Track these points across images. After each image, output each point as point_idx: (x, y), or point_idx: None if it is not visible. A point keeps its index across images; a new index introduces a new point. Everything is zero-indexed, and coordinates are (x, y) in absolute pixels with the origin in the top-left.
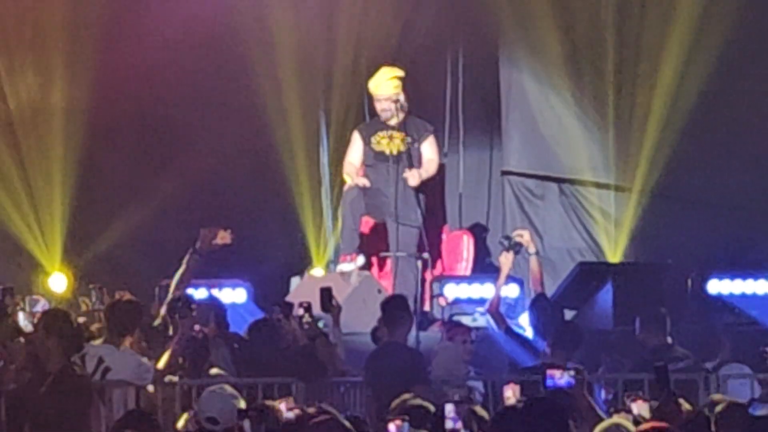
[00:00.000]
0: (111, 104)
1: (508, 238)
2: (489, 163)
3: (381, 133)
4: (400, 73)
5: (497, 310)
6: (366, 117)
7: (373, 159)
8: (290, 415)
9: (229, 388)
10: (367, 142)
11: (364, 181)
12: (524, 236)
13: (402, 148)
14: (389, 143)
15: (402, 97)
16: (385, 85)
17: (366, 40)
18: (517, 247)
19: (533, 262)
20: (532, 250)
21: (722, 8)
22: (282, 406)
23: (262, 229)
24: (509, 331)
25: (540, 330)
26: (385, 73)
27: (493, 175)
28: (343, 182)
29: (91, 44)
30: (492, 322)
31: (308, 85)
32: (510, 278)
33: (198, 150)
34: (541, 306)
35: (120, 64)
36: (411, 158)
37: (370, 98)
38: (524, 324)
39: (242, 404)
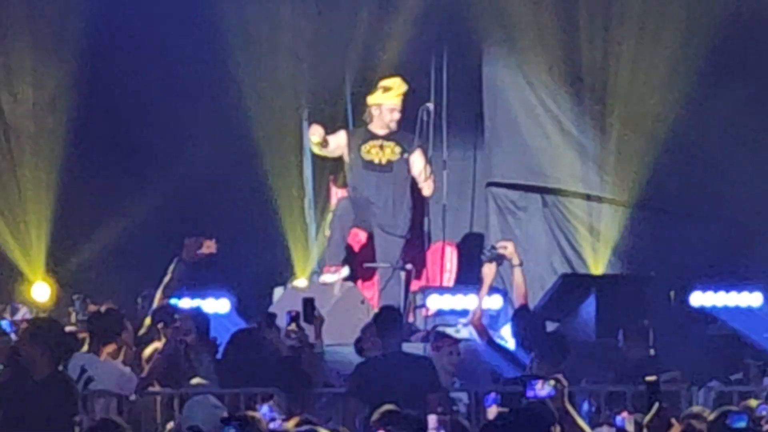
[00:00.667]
0: (94, 113)
1: (491, 249)
2: (472, 175)
3: (372, 142)
4: (389, 85)
5: (480, 321)
6: (350, 127)
7: (362, 168)
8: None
9: (212, 398)
10: (355, 149)
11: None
12: (508, 248)
13: (392, 158)
14: (379, 152)
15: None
16: (397, 98)
17: (350, 52)
18: (499, 259)
19: (517, 274)
20: (516, 262)
21: (708, 20)
22: (264, 409)
23: (245, 239)
24: (491, 343)
25: (522, 341)
26: (400, 86)
27: (476, 186)
28: (326, 194)
29: (75, 53)
30: (474, 333)
31: (291, 96)
32: (493, 289)
33: (181, 160)
34: (523, 317)
35: (105, 75)
36: (403, 168)
37: (366, 105)
38: (506, 335)
39: (225, 414)
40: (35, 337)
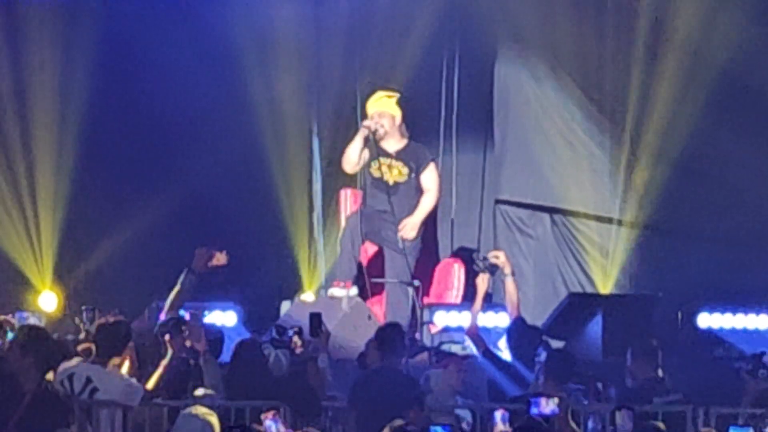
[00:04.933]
0: (104, 124)
1: (483, 259)
2: (481, 191)
3: (381, 160)
4: (395, 93)
5: (476, 332)
6: None
7: (371, 185)
8: None
9: (202, 409)
10: (366, 165)
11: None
12: (500, 257)
13: (400, 180)
14: (387, 172)
15: (400, 122)
16: (378, 102)
17: (360, 67)
18: (492, 269)
19: (509, 284)
20: (507, 271)
21: (718, 44)
22: (269, 421)
23: (253, 252)
24: (487, 354)
25: (518, 354)
26: (379, 93)
27: (485, 202)
28: (336, 208)
29: (85, 65)
30: (471, 344)
31: (301, 110)
32: (499, 306)
33: (190, 172)
34: (518, 329)
35: (113, 85)
36: (411, 188)
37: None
38: (502, 347)
39: (215, 422)
40: (25, 347)
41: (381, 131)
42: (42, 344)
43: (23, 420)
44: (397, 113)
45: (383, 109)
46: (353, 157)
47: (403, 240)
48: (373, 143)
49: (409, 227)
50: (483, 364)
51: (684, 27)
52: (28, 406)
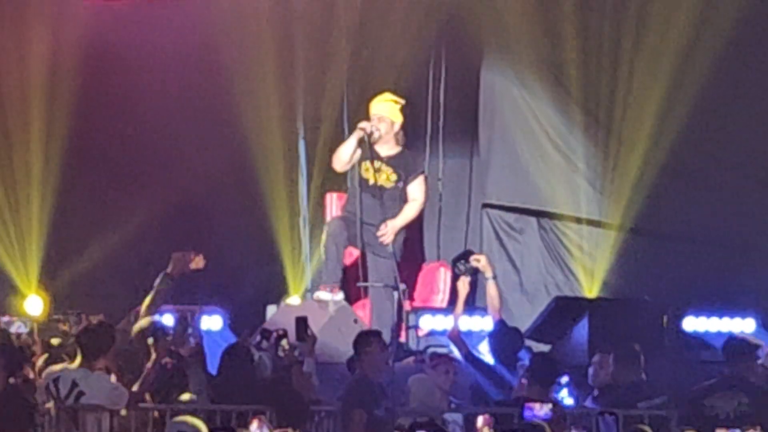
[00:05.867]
0: (90, 128)
1: (464, 263)
2: (468, 194)
3: (373, 162)
4: (401, 100)
5: (458, 335)
6: None
7: (357, 185)
8: None
9: (190, 417)
10: (356, 164)
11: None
12: (481, 261)
13: (387, 185)
14: (375, 174)
15: (398, 130)
16: (381, 105)
17: (347, 68)
18: (473, 272)
19: (491, 287)
20: (489, 274)
21: (706, 45)
22: (254, 426)
23: (238, 256)
24: (469, 356)
25: (500, 357)
26: (385, 96)
27: (471, 206)
28: (322, 212)
29: (73, 69)
30: (453, 347)
31: (287, 114)
32: (482, 310)
33: (176, 175)
34: (500, 332)
35: (99, 89)
36: (394, 196)
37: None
38: (483, 350)
39: (203, 428)
40: None
41: (376, 135)
42: (6, 347)
43: None
44: (398, 120)
45: (384, 113)
46: (344, 157)
47: (381, 244)
48: (367, 144)
49: (389, 230)
50: (465, 367)
51: (670, 30)
52: None
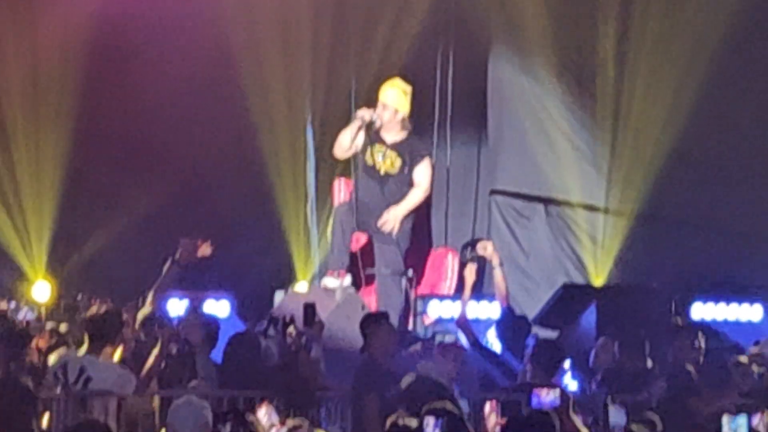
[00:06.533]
0: (98, 114)
1: (471, 250)
2: (476, 181)
3: (377, 146)
4: (408, 90)
5: (466, 323)
6: None
7: (362, 171)
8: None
9: (195, 398)
10: (362, 150)
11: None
12: (488, 248)
13: (392, 171)
14: (379, 161)
15: (404, 116)
16: (389, 92)
17: (355, 54)
18: (479, 260)
19: (498, 274)
20: (495, 262)
21: (715, 31)
22: (262, 411)
23: (246, 241)
24: (476, 344)
25: (507, 344)
26: (394, 81)
27: (479, 192)
28: (330, 198)
29: (83, 55)
30: (460, 334)
31: (295, 99)
32: (491, 296)
33: (184, 161)
34: (507, 320)
35: (106, 75)
36: (400, 182)
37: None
38: (491, 338)
39: (208, 411)
40: None
41: (378, 123)
42: (5, 331)
43: None
44: (402, 108)
45: (388, 101)
46: (345, 143)
47: (384, 232)
48: (370, 131)
49: (391, 218)
50: (472, 355)
51: (678, 15)
52: None
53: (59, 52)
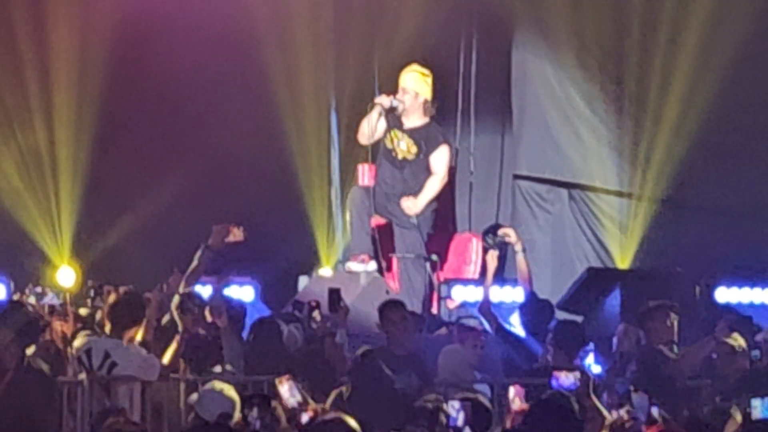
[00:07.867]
0: (123, 100)
1: (493, 236)
2: (499, 166)
3: (395, 132)
4: (427, 73)
5: (488, 309)
6: None
7: (382, 156)
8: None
9: (222, 384)
10: (382, 136)
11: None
12: (510, 235)
13: (409, 158)
14: (397, 146)
15: (425, 101)
16: (407, 77)
17: (378, 42)
18: (503, 246)
19: (520, 260)
20: (518, 248)
21: (737, 16)
22: (284, 387)
23: (271, 227)
24: (500, 330)
25: (532, 329)
26: (413, 67)
27: (503, 177)
28: (353, 183)
29: (106, 40)
30: (483, 320)
31: (320, 86)
32: (514, 281)
33: (209, 148)
34: (531, 305)
35: (132, 62)
36: (416, 168)
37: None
38: (515, 323)
39: (235, 396)
40: (4, 321)
41: (400, 107)
42: (20, 318)
43: (5, 397)
44: (423, 91)
45: (408, 85)
46: (365, 130)
47: (405, 216)
48: (392, 115)
49: (411, 206)
50: (495, 340)
51: (701, 1)
52: (9, 384)
53: (84, 39)
